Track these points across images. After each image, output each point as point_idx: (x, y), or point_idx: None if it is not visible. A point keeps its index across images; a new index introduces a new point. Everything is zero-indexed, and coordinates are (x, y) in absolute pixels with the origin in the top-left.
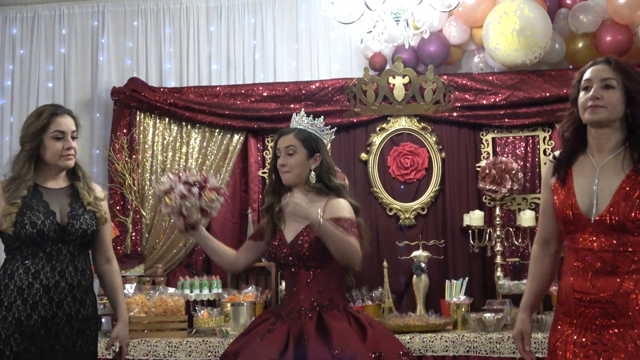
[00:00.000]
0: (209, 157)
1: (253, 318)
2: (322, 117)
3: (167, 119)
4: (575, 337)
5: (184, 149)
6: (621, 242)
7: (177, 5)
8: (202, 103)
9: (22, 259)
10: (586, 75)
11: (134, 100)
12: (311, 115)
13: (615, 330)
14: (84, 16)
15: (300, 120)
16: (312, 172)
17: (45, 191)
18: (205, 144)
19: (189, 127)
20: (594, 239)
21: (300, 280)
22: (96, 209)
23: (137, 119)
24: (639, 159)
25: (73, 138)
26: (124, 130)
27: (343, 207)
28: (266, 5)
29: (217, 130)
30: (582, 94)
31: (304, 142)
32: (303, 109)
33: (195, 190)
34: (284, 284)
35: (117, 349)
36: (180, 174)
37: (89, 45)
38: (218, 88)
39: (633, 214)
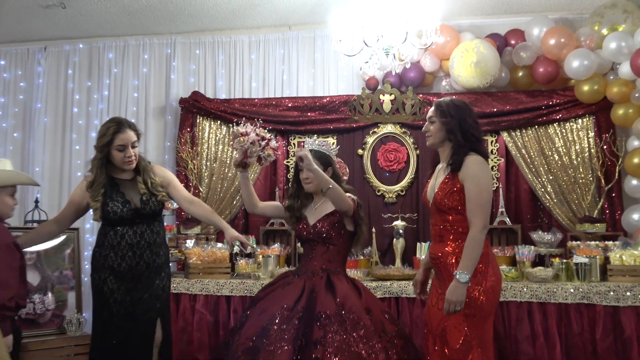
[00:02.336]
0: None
1: (277, 266)
2: (328, 139)
3: (218, 122)
4: (435, 284)
5: (231, 144)
6: (444, 220)
7: (228, 39)
8: (244, 110)
9: (113, 226)
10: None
11: (195, 107)
12: (319, 136)
13: (445, 281)
14: (161, 45)
15: (312, 142)
16: None
17: (121, 182)
18: None
19: (234, 127)
20: (433, 217)
21: (317, 251)
22: (156, 193)
23: (197, 120)
24: (452, 165)
25: (133, 146)
26: (188, 129)
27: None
28: (292, 41)
29: None
30: None
31: (319, 159)
32: (316, 135)
33: (262, 143)
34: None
35: (239, 246)
36: (256, 129)
37: (164, 67)
38: (256, 100)
39: (445, 201)
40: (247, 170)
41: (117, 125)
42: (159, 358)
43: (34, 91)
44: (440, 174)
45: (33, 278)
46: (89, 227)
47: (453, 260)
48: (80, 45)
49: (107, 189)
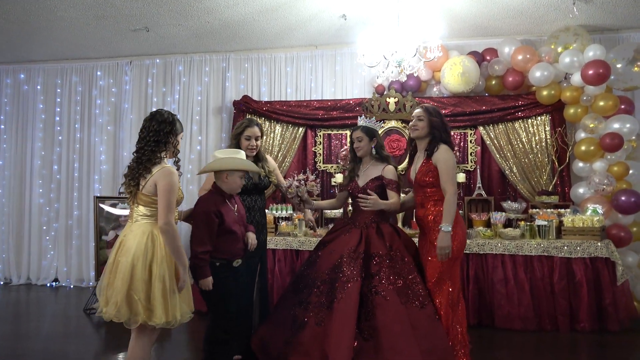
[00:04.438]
0: (285, 140)
1: (308, 227)
2: (374, 117)
3: (263, 118)
4: (420, 235)
5: (272, 135)
6: (424, 192)
7: (269, 56)
8: (282, 110)
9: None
10: (412, 115)
11: (245, 107)
12: (371, 117)
13: (427, 234)
14: (218, 60)
15: (363, 120)
16: (373, 149)
17: None
18: (283, 132)
19: (274, 123)
20: (416, 191)
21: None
22: (269, 176)
23: (246, 117)
24: (427, 152)
25: (256, 139)
26: None
27: (392, 173)
28: (318, 57)
29: (290, 125)
30: (410, 124)
31: (366, 133)
32: (363, 115)
33: (302, 182)
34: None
35: (312, 223)
36: (295, 178)
37: (220, 77)
38: (291, 102)
39: (424, 178)
40: (311, 203)
41: (248, 122)
42: (258, 288)
43: (122, 95)
44: (419, 160)
45: None
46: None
47: (431, 218)
48: (157, 60)
49: None
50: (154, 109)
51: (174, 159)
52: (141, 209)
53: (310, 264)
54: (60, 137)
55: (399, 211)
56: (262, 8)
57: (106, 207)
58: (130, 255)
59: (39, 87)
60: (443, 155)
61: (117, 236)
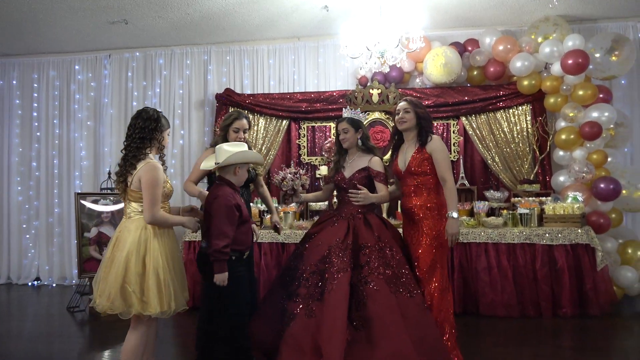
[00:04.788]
0: (268, 133)
1: (295, 220)
2: (359, 109)
3: (246, 111)
4: (406, 225)
5: (255, 128)
6: (416, 180)
7: (251, 48)
8: (265, 103)
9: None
10: (397, 108)
11: (227, 100)
12: (355, 108)
13: (417, 223)
14: (199, 53)
15: (348, 111)
16: (359, 140)
17: None
18: (267, 125)
19: (257, 116)
20: (404, 180)
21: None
22: (255, 168)
23: (229, 110)
24: (420, 141)
25: (244, 131)
26: (222, 117)
27: (379, 164)
28: (301, 49)
29: (274, 118)
30: (396, 117)
31: (352, 124)
32: (348, 106)
33: (298, 175)
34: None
35: (278, 225)
36: (287, 171)
37: (202, 70)
38: (275, 94)
39: (418, 168)
40: (300, 195)
41: (237, 114)
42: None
43: (102, 89)
44: (409, 150)
45: (109, 231)
46: None
47: (425, 207)
48: (137, 54)
49: None
50: (135, 104)
51: (160, 154)
52: (133, 205)
53: (297, 256)
54: (38, 133)
55: (387, 202)
56: None
57: (88, 204)
58: (125, 249)
59: (14, 82)
60: (438, 145)
61: (99, 232)
